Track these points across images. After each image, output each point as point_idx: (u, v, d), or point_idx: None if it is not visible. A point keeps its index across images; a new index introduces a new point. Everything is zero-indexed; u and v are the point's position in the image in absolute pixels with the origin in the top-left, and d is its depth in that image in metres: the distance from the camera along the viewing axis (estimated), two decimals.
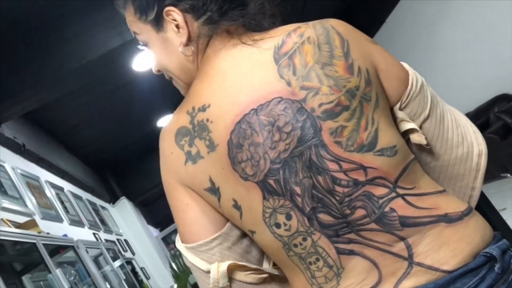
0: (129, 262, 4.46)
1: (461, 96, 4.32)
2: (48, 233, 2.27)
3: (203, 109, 0.69)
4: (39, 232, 2.09)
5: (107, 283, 2.96)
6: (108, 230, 4.54)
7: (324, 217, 0.66)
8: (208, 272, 0.72)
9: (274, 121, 0.66)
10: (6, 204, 2.39)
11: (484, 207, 1.90)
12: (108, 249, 3.67)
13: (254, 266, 0.74)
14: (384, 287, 0.65)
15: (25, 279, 2.12)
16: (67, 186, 4.02)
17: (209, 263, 0.72)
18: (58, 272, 2.01)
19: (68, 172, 4.02)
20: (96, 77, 3.34)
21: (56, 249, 2.49)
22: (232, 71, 0.69)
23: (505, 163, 3.75)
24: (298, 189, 0.66)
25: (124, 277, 3.59)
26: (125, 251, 4.80)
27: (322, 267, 0.67)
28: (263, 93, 0.66)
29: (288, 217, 0.66)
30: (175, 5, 0.73)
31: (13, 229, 1.95)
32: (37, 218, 2.78)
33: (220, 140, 0.67)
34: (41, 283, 2.11)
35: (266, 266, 0.76)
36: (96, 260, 3.25)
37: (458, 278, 0.62)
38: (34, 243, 1.99)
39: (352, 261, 0.66)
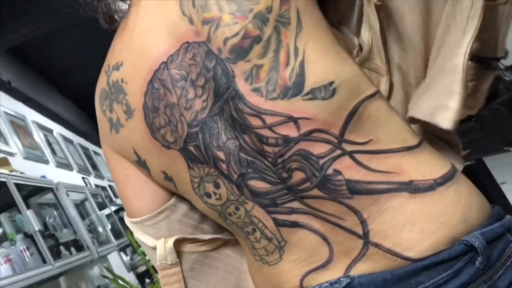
0: (119, 210, 4.45)
1: None
2: (22, 173, 2.20)
3: (116, 67, 0.58)
4: (11, 171, 2.01)
5: (88, 228, 2.92)
6: (99, 176, 4.50)
7: (256, 184, 0.54)
8: (155, 248, 0.64)
9: (187, 74, 0.53)
10: None
11: (484, 179, 1.77)
12: (95, 195, 3.63)
13: (206, 237, 0.65)
14: (334, 268, 0.54)
15: (3, 217, 2.08)
16: (57, 129, 3.93)
17: (157, 238, 0.64)
18: (29, 213, 1.95)
19: (59, 114, 3.93)
20: (89, 15, 3.17)
21: (35, 190, 2.44)
22: (140, 18, 0.56)
23: (510, 136, 3.60)
24: (221, 154, 0.54)
25: (110, 226, 3.56)
26: (117, 197, 4.79)
27: (260, 239, 0.57)
28: (170, 40, 0.54)
29: (217, 186, 0.56)
30: None
31: None
32: (19, 157, 2.71)
33: (136, 105, 0.57)
34: (16, 222, 2.06)
35: None
36: (82, 205, 3.22)
37: (424, 269, 0.49)
38: (5, 182, 1.92)
39: (297, 234, 0.55)
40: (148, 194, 0.65)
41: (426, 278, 0.49)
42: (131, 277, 3.69)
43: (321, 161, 0.51)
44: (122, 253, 3.88)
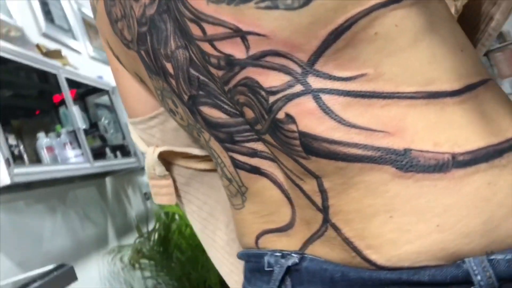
0: None
1: None
2: (76, 68, 2.22)
3: None
4: (64, 64, 2.03)
5: None
6: None
7: (210, 112, 0.41)
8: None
9: None
10: (50, 31, 2.34)
11: None
12: None
13: (195, 152, 0.57)
14: (294, 236, 0.41)
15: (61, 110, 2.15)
16: None
17: (149, 145, 0.58)
18: (75, 109, 1.98)
19: None
20: None
21: (92, 90, 2.48)
22: None
23: None
24: (169, 67, 0.42)
25: None
26: None
27: (222, 176, 0.46)
28: None
29: (175, 104, 0.45)
30: None
31: (37, 55, 1.90)
32: (85, 56, 2.77)
33: None
34: (65, 117, 2.12)
35: None
36: None
37: (389, 285, 0.33)
38: (55, 75, 1.94)
39: (259, 183, 0.42)
40: (142, 96, 0.56)
41: None
42: None
43: (272, 99, 0.35)
44: None
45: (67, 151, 1.95)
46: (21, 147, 1.79)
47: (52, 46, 2.28)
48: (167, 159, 0.59)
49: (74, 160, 1.96)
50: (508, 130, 0.33)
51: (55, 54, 1.99)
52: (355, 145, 0.34)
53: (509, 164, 0.32)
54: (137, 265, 2.41)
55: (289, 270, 0.41)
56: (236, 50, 0.35)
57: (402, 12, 0.32)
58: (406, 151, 0.33)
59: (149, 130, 0.58)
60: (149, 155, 0.58)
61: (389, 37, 0.33)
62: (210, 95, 0.40)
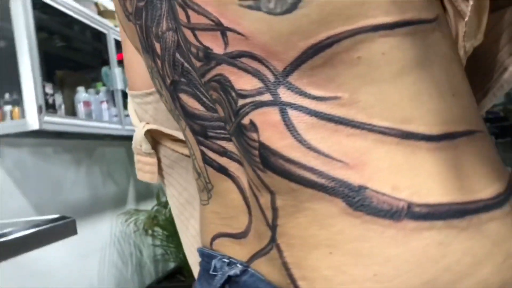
0: None
1: None
2: None
3: None
4: (116, 26, 2.08)
5: None
6: None
7: (188, 101, 0.40)
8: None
9: None
10: None
11: None
12: None
13: (181, 136, 0.57)
14: (246, 246, 0.40)
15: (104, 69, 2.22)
16: None
17: (141, 120, 0.58)
18: (117, 71, 2.03)
19: None
20: None
21: None
22: None
23: None
24: (158, 47, 0.40)
25: None
26: None
27: (193, 168, 0.46)
28: None
29: (160, 86, 0.44)
30: None
31: (92, 13, 1.96)
32: None
33: None
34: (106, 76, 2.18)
35: None
36: None
37: None
38: (105, 34, 1.99)
39: (224, 184, 0.41)
40: (141, 69, 0.55)
41: None
42: None
43: (240, 102, 0.34)
44: None
45: (102, 109, 2.02)
46: (60, 97, 1.87)
47: (110, 6, 2.34)
48: (155, 138, 0.59)
49: (107, 119, 2.02)
50: (481, 191, 0.30)
51: (110, 14, 2.04)
52: (311, 169, 0.31)
53: (469, 228, 0.29)
54: (149, 232, 2.48)
55: (230, 280, 0.40)
56: (215, 44, 0.34)
57: (393, 41, 0.30)
58: (361, 188, 0.30)
59: (144, 105, 0.58)
60: (139, 130, 0.58)
61: (372, 64, 0.30)
62: (190, 84, 0.39)
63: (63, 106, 1.88)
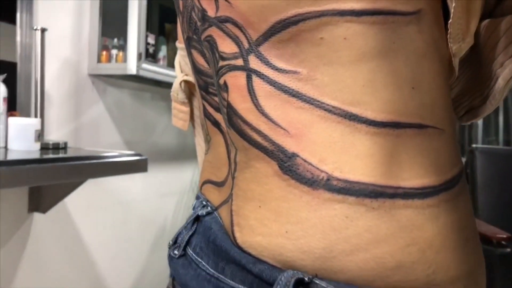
0: None
1: None
2: None
3: None
4: None
5: None
6: None
7: (197, 57, 0.44)
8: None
9: None
10: None
11: None
12: None
13: None
14: (220, 194, 0.45)
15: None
16: None
17: (182, 70, 0.65)
18: None
19: None
20: None
21: None
22: None
23: None
24: (181, 4, 0.46)
25: None
26: None
27: (200, 120, 0.51)
28: None
29: (183, 39, 0.50)
30: None
31: None
32: None
33: None
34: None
35: None
36: None
37: (232, 263, 0.38)
38: None
39: (217, 137, 0.46)
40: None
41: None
42: None
43: (220, 63, 0.38)
44: None
45: None
46: (165, 48, 2.03)
47: None
48: (191, 89, 0.65)
49: None
50: (407, 180, 0.31)
51: None
52: (259, 132, 0.35)
53: (380, 209, 0.31)
54: None
55: (198, 218, 0.45)
56: (209, 8, 0.39)
57: (357, 27, 0.31)
58: (293, 155, 0.33)
59: (186, 58, 0.62)
60: (177, 79, 0.64)
61: (333, 47, 0.32)
62: (199, 41, 0.43)
63: (165, 57, 2.04)
